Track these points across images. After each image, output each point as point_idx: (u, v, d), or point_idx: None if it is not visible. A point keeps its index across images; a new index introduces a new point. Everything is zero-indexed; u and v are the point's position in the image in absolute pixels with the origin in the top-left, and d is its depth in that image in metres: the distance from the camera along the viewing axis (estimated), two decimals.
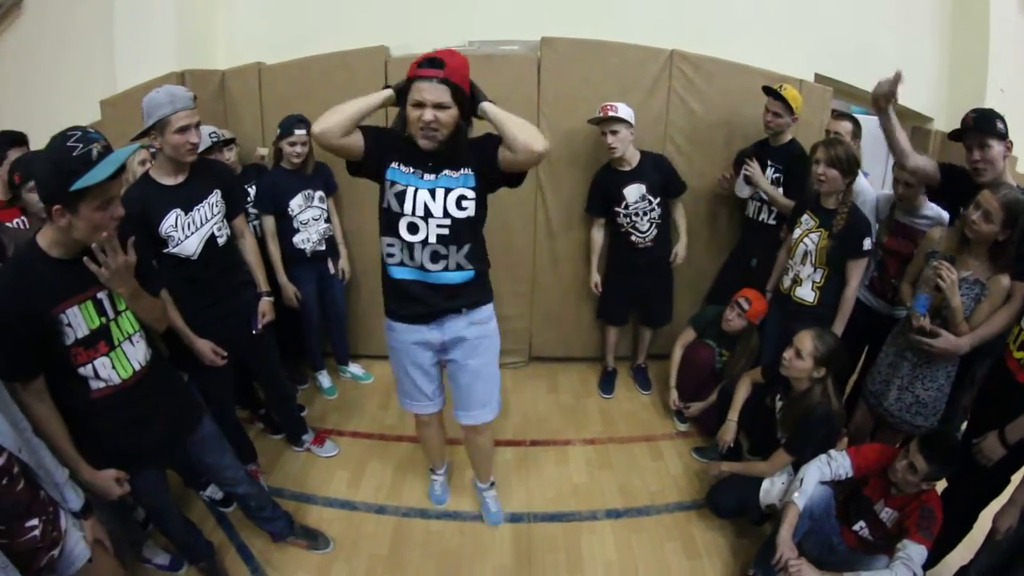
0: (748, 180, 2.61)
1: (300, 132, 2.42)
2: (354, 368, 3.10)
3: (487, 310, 1.75)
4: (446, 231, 1.56)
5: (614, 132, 2.46)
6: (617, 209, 2.62)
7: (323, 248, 2.65)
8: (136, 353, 1.46)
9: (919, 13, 3.18)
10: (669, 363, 2.74)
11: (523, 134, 1.47)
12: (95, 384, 1.38)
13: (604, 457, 2.53)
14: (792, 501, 1.77)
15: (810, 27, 3.03)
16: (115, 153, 1.24)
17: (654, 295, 2.84)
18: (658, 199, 2.60)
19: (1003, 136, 1.83)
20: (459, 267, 1.62)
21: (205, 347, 1.87)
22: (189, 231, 1.81)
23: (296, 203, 2.52)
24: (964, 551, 1.86)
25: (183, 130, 1.70)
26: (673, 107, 2.77)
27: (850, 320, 2.24)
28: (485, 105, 1.52)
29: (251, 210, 2.51)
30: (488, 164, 1.56)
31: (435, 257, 1.59)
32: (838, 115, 2.60)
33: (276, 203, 2.49)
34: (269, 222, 2.51)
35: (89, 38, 2.81)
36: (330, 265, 2.72)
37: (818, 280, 2.25)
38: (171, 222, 1.77)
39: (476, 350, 1.74)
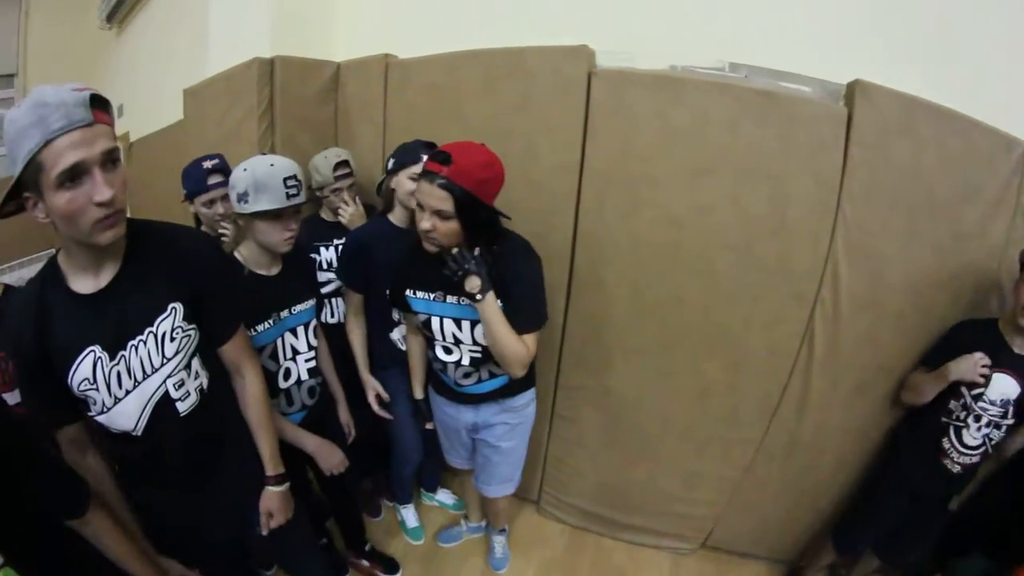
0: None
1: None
2: (442, 495, 2.26)
3: (525, 396, 1.58)
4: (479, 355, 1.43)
5: None
6: (962, 389, 1.53)
7: None
8: None
9: None
10: None
11: (508, 350, 1.29)
12: None
13: None
14: None
15: None
16: None
17: (909, 532, 1.75)
18: None
19: None
20: (492, 375, 1.49)
21: (172, 570, 1.12)
22: (119, 389, 0.94)
23: None
24: None
25: (73, 178, 0.77)
26: (1014, 241, 1.52)
27: None
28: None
29: (303, 308, 1.44)
30: None
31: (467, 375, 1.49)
32: None
33: (369, 274, 1.60)
34: (357, 301, 1.65)
35: (189, 25, 2.36)
36: None
37: None
38: (86, 372, 0.91)
39: (510, 434, 1.61)
